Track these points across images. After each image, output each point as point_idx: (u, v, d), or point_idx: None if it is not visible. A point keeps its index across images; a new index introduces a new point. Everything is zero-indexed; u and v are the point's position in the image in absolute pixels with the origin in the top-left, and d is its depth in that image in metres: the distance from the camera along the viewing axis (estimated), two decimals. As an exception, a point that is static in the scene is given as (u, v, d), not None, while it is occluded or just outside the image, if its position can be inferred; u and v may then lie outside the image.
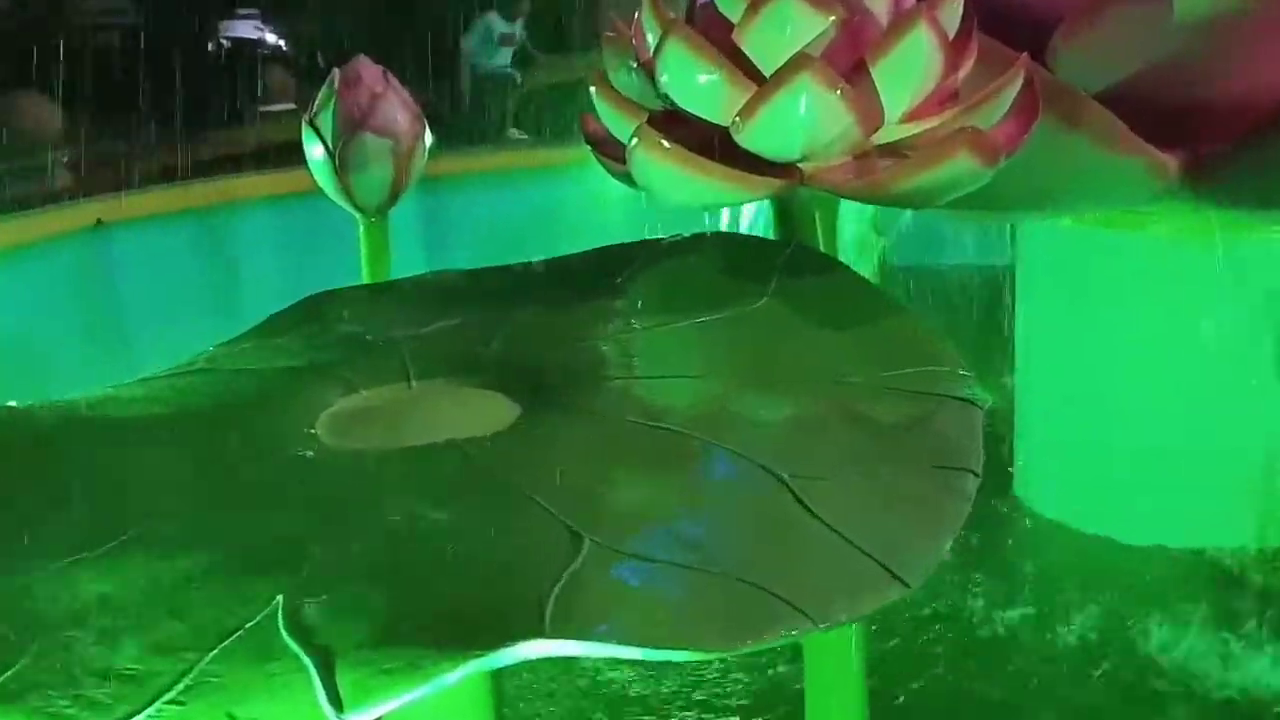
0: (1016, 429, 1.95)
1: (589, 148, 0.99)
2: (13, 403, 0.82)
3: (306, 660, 0.55)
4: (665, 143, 0.82)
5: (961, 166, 0.81)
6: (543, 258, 1.00)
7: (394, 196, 1.43)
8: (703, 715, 1.42)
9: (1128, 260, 1.77)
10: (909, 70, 0.84)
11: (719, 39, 0.84)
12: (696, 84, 0.85)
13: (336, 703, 0.53)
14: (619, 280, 0.92)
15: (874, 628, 0.98)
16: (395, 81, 1.44)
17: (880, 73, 0.83)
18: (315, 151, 1.41)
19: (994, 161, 0.81)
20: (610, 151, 0.95)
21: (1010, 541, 1.82)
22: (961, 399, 0.74)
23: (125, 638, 0.57)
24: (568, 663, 1.44)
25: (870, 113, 0.83)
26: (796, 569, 0.61)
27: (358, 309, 0.96)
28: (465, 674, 0.54)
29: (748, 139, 0.84)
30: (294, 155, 1.50)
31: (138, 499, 0.71)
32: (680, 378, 0.80)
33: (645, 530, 0.63)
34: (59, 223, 2.71)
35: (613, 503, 0.66)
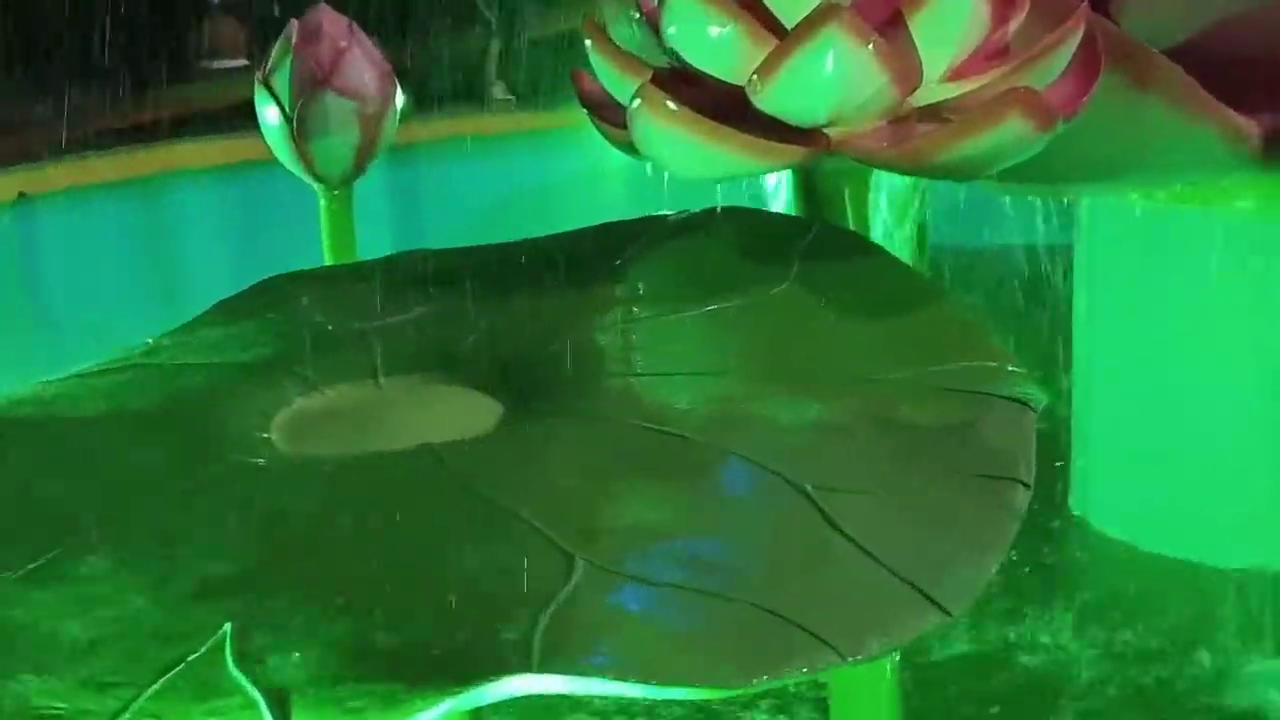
0: (1074, 434, 1.95)
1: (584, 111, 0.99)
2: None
3: (257, 696, 0.55)
4: (672, 105, 0.82)
5: (1012, 132, 0.80)
6: (532, 236, 1.00)
7: (360, 166, 1.43)
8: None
9: (1204, 240, 1.76)
10: (952, 21, 0.84)
11: (734, -14, 0.84)
12: (708, 37, 0.85)
13: (293, 746, 0.53)
14: (619, 262, 0.92)
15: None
16: (362, 35, 1.44)
17: (919, 24, 0.82)
18: (270, 114, 1.41)
19: (1049, 126, 0.81)
20: (609, 115, 0.95)
21: (1066, 565, 1.81)
22: (1012, 399, 0.74)
23: (49, 672, 0.57)
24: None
25: (907, 71, 0.83)
26: (821, 594, 0.61)
27: (318, 295, 0.96)
28: (441, 713, 0.54)
29: (767, 101, 0.83)
30: (245, 118, 1.51)
31: (64, 513, 0.71)
32: (689, 374, 0.80)
33: (647, 550, 0.64)
34: (-27, 195, 2.71)
35: (610, 518, 0.66)
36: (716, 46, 0.85)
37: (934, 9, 0.83)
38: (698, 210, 0.97)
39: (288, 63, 1.40)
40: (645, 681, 0.56)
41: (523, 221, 1.10)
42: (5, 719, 0.55)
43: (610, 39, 0.92)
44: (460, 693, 0.55)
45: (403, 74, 1.48)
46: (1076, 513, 1.91)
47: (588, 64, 0.95)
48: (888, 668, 0.95)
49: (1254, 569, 1.71)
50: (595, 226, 0.99)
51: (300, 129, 1.40)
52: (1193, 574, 1.73)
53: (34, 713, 0.56)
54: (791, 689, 1.42)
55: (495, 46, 4.27)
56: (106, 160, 2.99)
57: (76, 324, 2.55)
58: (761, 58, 0.82)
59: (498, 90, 4.17)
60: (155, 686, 0.56)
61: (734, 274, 0.88)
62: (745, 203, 0.98)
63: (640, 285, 0.90)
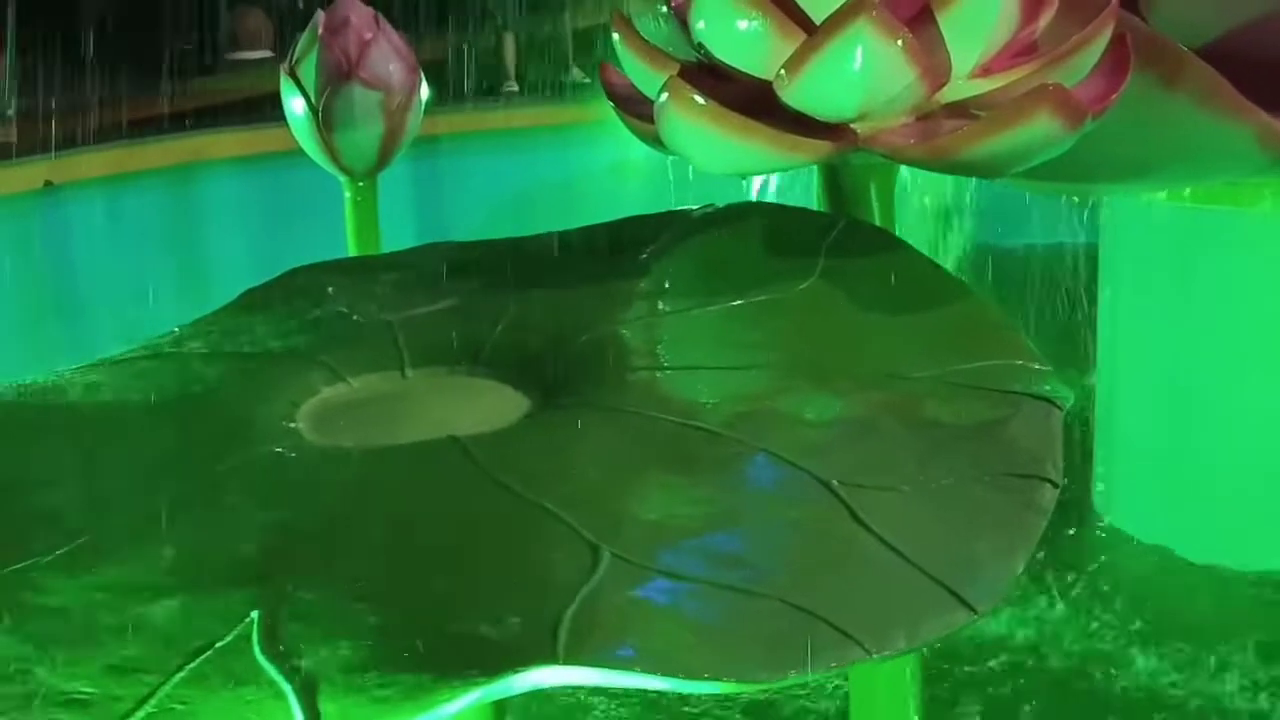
0: (1097, 434, 1.94)
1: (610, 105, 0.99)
2: (-52, 388, 0.83)
3: (285, 685, 0.55)
4: (699, 99, 0.82)
5: (1040, 129, 0.80)
6: (557, 230, 1.00)
7: (385, 157, 1.43)
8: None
9: (1232, 242, 1.75)
10: (981, 18, 0.83)
11: (763, -20, 0.84)
12: (736, 32, 0.85)
13: (320, 734, 0.53)
14: (644, 256, 0.92)
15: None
16: (388, 26, 1.44)
17: (948, 20, 0.82)
18: (296, 105, 1.42)
19: (1078, 124, 0.81)
20: (635, 109, 0.94)
21: (1090, 567, 1.80)
22: (1039, 397, 0.74)
23: (80, 658, 0.58)
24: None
25: (936, 67, 0.83)
26: (848, 590, 0.61)
27: (344, 286, 0.96)
28: (468, 704, 0.54)
29: (795, 96, 0.83)
30: (272, 110, 1.51)
31: (93, 499, 0.71)
32: (714, 370, 0.80)
33: (674, 543, 0.64)
34: (1, 184, 2.72)
35: (636, 511, 0.66)
36: (744, 41, 0.85)
37: (963, 5, 0.82)
38: (722, 205, 0.97)
39: (314, 54, 1.40)
40: (671, 675, 0.56)
41: (548, 214, 1.10)
42: (46, 704, 0.56)
43: (638, 33, 0.92)
44: (487, 684, 0.55)
45: (428, 67, 1.48)
46: (1100, 510, 1.90)
47: (613, 58, 0.95)
48: (909, 664, 0.95)
49: (1270, 572, 1.71)
50: (619, 221, 0.99)
51: (326, 120, 1.40)
52: (1209, 577, 1.73)
53: (62, 697, 0.56)
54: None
55: (511, 41, 4.29)
56: (134, 150, 3.00)
57: (102, 313, 2.56)
58: (790, 52, 0.82)
59: (509, 84, 4.20)
60: (182, 674, 0.56)
61: (759, 269, 0.88)
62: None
63: (665, 280, 0.90)
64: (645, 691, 1.30)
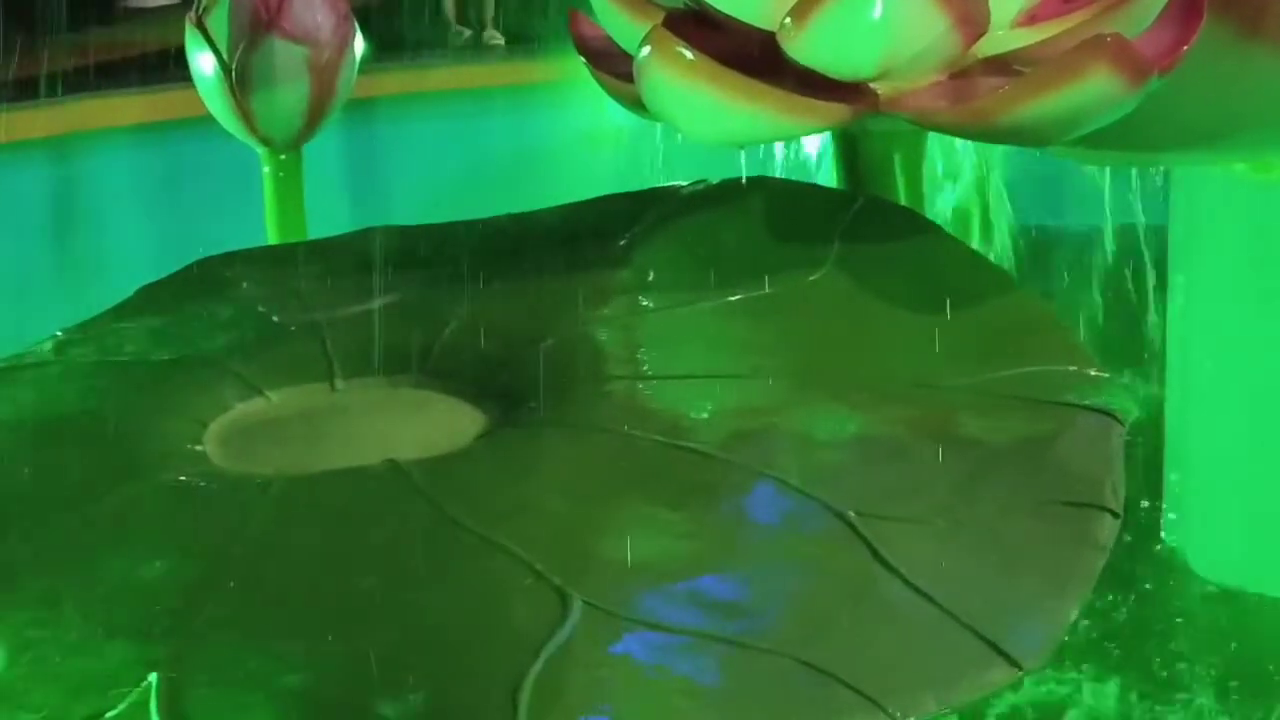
0: (1168, 454, 1.95)
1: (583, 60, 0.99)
2: None
3: (189, 763, 0.55)
4: (688, 53, 0.82)
5: (1097, 88, 0.81)
6: (518, 211, 1.01)
7: (311, 125, 1.43)
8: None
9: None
10: (1026, -45, 0.84)
11: (764, -89, 0.84)
12: (732, -27, 0.85)
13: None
14: (623, 242, 0.93)
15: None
16: (316, -34, 1.44)
17: (987, -42, 0.83)
18: (204, 63, 1.41)
19: (1141, 81, 0.81)
20: (612, 66, 0.95)
21: (1161, 614, 1.81)
22: (1095, 409, 0.74)
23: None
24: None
25: (972, 14, 0.83)
26: (867, 644, 0.61)
27: (262, 279, 0.97)
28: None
29: (802, 50, 0.84)
30: (175, 68, 1.51)
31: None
32: (707, 378, 0.80)
33: (658, 588, 0.64)
34: None
35: (613, 550, 0.66)
36: (743, -16, 0.85)
37: (1005, -60, 0.83)
38: (717, 182, 0.97)
39: (226, 1, 1.40)
40: (656, 748, 0.56)
41: (507, 192, 1.11)
42: None
43: (615, -26, 0.93)
44: (432, 761, 0.55)
45: (364, 15, 1.48)
46: (1171, 542, 1.90)
47: (586, 4, 0.95)
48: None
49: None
50: (593, 200, 0.99)
51: (240, 81, 1.40)
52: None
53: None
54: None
55: None
56: (9, 117, 3.00)
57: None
58: (796, -2, 0.83)
59: (488, 36, 4.21)
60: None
61: (761, 257, 0.88)
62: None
63: (649, 270, 0.90)
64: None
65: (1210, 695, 1.56)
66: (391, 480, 0.72)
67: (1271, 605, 1.74)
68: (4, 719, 0.58)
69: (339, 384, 0.85)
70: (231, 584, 0.66)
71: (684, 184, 0.98)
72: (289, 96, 1.41)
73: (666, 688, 0.59)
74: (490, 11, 4.28)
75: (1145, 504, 1.85)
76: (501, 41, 4.12)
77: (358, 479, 0.73)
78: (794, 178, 0.99)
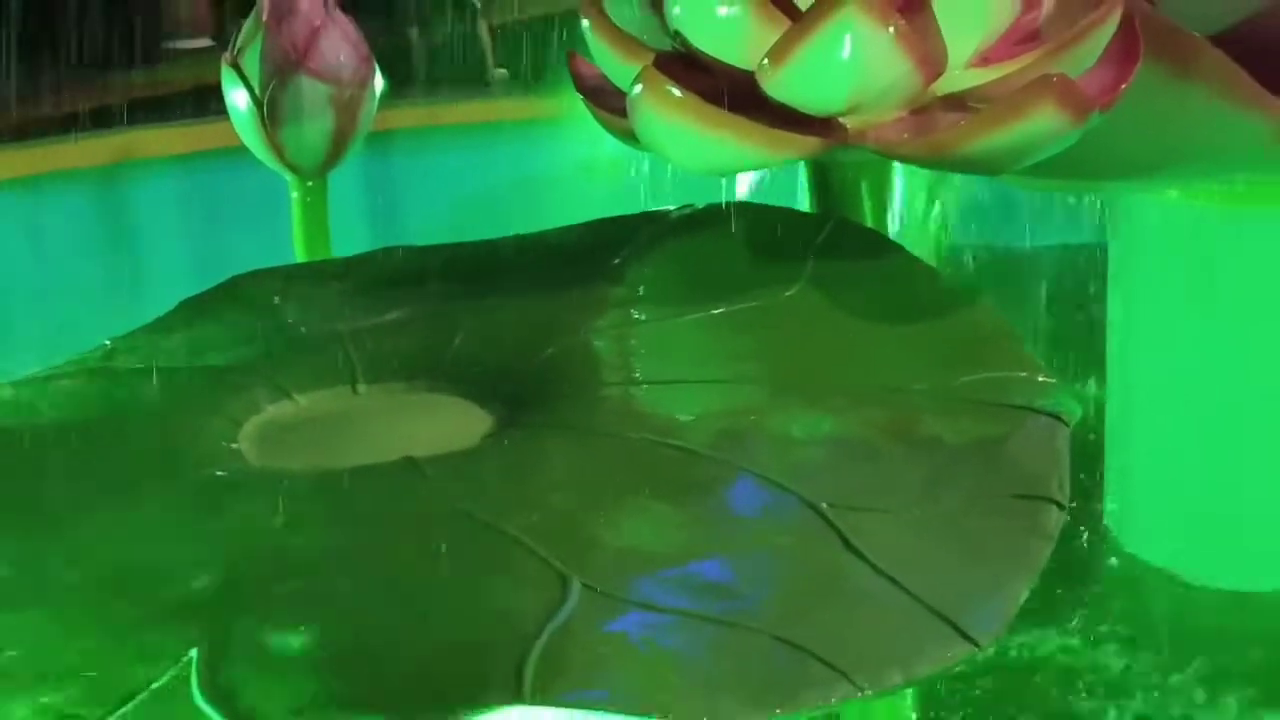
0: (1108, 451, 1.95)
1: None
2: None
3: (226, 730, 0.55)
4: (676, 91, 0.82)
5: (1044, 123, 0.81)
6: (523, 232, 1.00)
7: (336, 155, 1.43)
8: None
9: (1251, 243, 1.76)
10: (979, 2, 0.84)
11: (745, -38, 0.84)
12: (716, 18, 0.85)
13: (264, 784, 0.53)
14: (617, 261, 0.92)
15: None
16: (339, 13, 1.44)
17: (944, 5, 0.83)
18: (238, 99, 1.41)
19: (1083, 117, 0.81)
20: (607, 102, 0.95)
21: (1100, 591, 1.81)
22: (1044, 412, 0.74)
23: (7, 701, 0.57)
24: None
25: (931, 56, 0.83)
26: (840, 623, 0.61)
27: (291, 294, 0.96)
28: (425, 749, 0.54)
29: (779, 87, 0.84)
30: (213, 103, 1.51)
31: (13, 532, 0.71)
32: (694, 384, 0.80)
33: (650, 573, 0.64)
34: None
35: (609, 538, 0.66)
36: (725, 28, 0.85)
37: (961, -11, 0.83)
38: (702, 206, 0.97)
39: (258, 42, 1.40)
40: (647, 715, 0.56)
41: (514, 216, 1.10)
42: None
43: (609, 19, 0.92)
44: (446, 727, 0.55)
45: (382, 56, 1.48)
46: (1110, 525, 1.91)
47: (584, 46, 0.95)
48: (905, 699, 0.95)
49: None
50: (590, 223, 0.99)
51: (271, 115, 1.40)
52: (1228, 602, 1.74)
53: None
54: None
55: (485, 28, 4.31)
56: (58, 148, 2.99)
57: (21, 326, 2.55)
58: (773, 41, 0.82)
59: (499, 73, 4.22)
60: (113, 718, 0.56)
61: (743, 274, 0.88)
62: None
63: (640, 286, 0.90)
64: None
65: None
66: (408, 474, 0.71)
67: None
68: (58, 691, 0.58)
69: (360, 388, 0.85)
70: (263, 567, 0.66)
71: (672, 208, 0.97)
72: (315, 129, 1.41)
73: (657, 661, 0.59)
74: (490, 52, 4.30)
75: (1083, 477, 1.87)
76: (506, 75, 4.12)
77: (377, 473, 0.72)
78: (776, 202, 0.98)
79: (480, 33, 4.31)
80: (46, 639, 0.61)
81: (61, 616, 0.63)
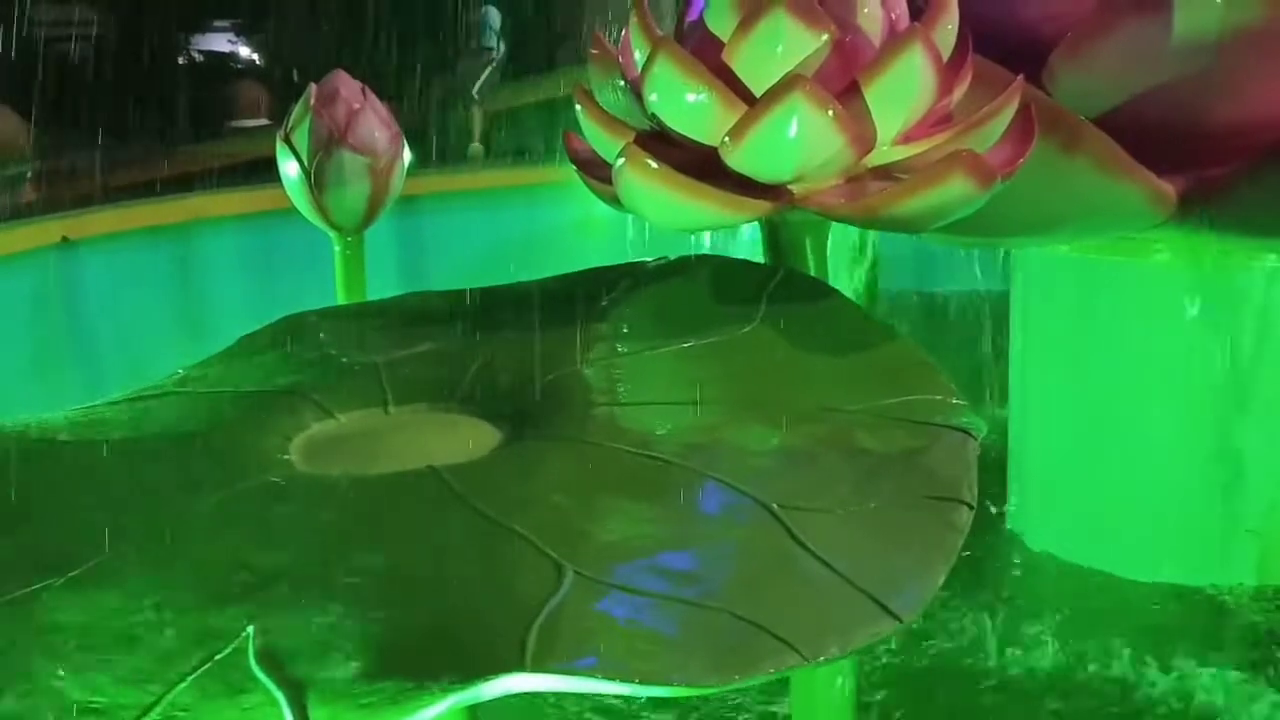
0: (1010, 461, 1.96)
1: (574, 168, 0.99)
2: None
3: (278, 694, 0.55)
4: (653, 163, 0.82)
5: (956, 190, 0.81)
6: (526, 279, 1.00)
7: (371, 215, 1.43)
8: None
9: (1126, 289, 1.78)
10: (903, 91, 0.84)
11: (709, 58, 0.84)
12: (685, 103, 0.85)
13: (309, 737, 0.53)
14: (604, 303, 0.92)
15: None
16: (374, 97, 1.44)
17: (873, 94, 0.83)
18: (290, 168, 1.41)
19: (989, 185, 0.82)
20: (596, 172, 0.95)
21: (1002, 575, 1.82)
22: (956, 428, 0.74)
23: (88, 670, 0.57)
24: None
25: (863, 134, 0.84)
26: (787, 603, 0.61)
27: (334, 331, 0.96)
28: (445, 708, 0.54)
29: (737, 160, 0.84)
30: (268, 172, 1.51)
31: (102, 525, 0.70)
32: (667, 404, 0.80)
33: (631, 561, 0.63)
34: (23, 239, 2.70)
35: (597, 533, 0.66)
36: (693, 111, 0.85)
37: (887, 80, 0.83)
38: (674, 257, 0.97)
39: (307, 121, 1.40)
40: (629, 680, 0.56)
41: (517, 265, 1.10)
42: (61, 712, 0.55)
43: (598, 104, 0.93)
44: (461, 689, 0.55)
45: (409, 134, 1.49)
46: (1013, 529, 1.91)
47: (576, 125, 0.95)
48: (845, 667, 0.95)
49: (1158, 582, 1.73)
50: (581, 272, 0.99)
51: (318, 182, 1.40)
52: (1106, 583, 1.76)
53: (74, 706, 0.55)
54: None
55: (476, 113, 4.36)
56: (142, 209, 2.98)
57: (112, 356, 2.54)
58: (733, 122, 0.83)
59: (475, 147, 4.25)
60: (184, 684, 0.56)
61: (707, 315, 0.88)
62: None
63: (623, 324, 0.90)
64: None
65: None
66: (430, 480, 0.71)
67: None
68: (133, 661, 0.58)
69: (391, 409, 0.84)
70: (308, 558, 0.65)
71: (649, 260, 0.98)
72: (354, 194, 1.41)
73: (637, 636, 0.59)
74: (478, 129, 4.34)
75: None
76: (482, 151, 4.17)
77: (405, 479, 0.72)
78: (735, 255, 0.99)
79: (473, 114, 4.35)
80: (131, 614, 0.61)
81: (144, 598, 0.62)
